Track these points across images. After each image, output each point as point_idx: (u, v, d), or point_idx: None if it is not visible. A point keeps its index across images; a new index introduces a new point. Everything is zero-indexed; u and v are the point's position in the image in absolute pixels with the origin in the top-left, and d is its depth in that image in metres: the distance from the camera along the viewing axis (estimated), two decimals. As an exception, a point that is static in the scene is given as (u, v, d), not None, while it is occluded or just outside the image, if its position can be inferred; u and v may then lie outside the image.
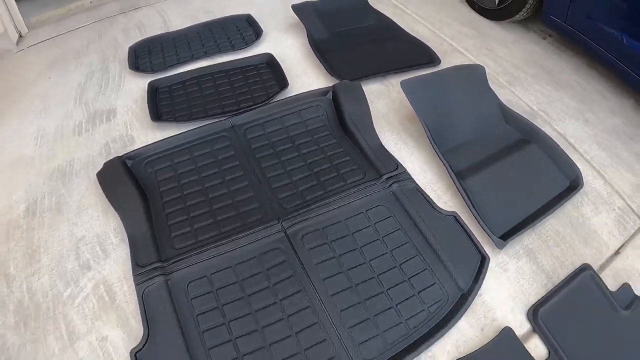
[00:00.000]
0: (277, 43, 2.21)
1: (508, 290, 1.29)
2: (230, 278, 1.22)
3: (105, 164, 1.51)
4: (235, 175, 1.50)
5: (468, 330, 1.20)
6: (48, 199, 1.53)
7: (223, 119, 1.67)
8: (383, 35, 2.20)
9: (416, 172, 1.55)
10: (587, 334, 1.23)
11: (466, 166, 1.54)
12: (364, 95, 1.72)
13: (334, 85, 1.74)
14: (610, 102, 1.96)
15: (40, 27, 2.55)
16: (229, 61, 2.03)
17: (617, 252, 1.41)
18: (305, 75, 1.98)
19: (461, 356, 1.14)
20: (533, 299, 1.27)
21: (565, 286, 1.31)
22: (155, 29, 2.39)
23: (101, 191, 1.47)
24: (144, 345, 1.12)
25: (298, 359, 1.09)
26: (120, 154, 1.55)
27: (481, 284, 1.26)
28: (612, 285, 1.32)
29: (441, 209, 1.41)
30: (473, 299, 1.23)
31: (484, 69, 1.78)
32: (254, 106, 1.73)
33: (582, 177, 1.55)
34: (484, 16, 2.47)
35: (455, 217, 1.38)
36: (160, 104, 1.83)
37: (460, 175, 1.49)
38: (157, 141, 1.60)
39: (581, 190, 1.53)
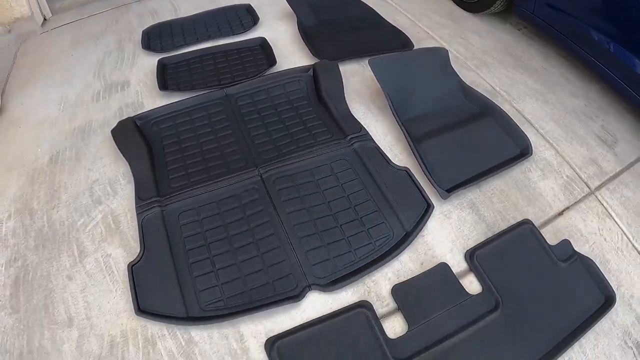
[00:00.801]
0: (271, 29, 2.43)
1: (449, 234, 1.43)
2: (213, 210, 1.47)
3: (119, 122, 1.76)
4: (225, 133, 1.75)
5: (409, 263, 1.36)
6: (69, 151, 1.77)
7: (218, 89, 1.93)
8: (365, 23, 2.40)
9: (378, 135, 1.75)
10: (521, 278, 1.31)
11: (423, 133, 1.72)
12: (340, 72, 1.95)
13: (314, 63, 1.98)
14: (574, 85, 2.03)
15: (63, 12, 2.81)
16: (227, 43, 2.28)
17: (560, 214, 1.50)
18: (292, 56, 2.20)
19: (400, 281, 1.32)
20: (472, 243, 1.39)
21: (504, 235, 1.40)
22: (166, 15, 2.63)
23: (114, 145, 1.69)
24: (138, 260, 1.34)
25: (262, 274, 1.32)
26: (132, 115, 1.81)
27: (423, 226, 1.43)
28: (552, 240, 1.40)
29: (395, 164, 1.60)
30: (415, 238, 1.40)
31: (447, 51, 1.96)
32: (246, 79, 1.98)
33: (532, 146, 1.66)
34: (462, 7, 2.62)
35: (407, 172, 1.57)
36: (167, 77, 2.09)
37: (416, 140, 1.67)
38: (163, 105, 1.86)
39: (530, 158, 1.64)
